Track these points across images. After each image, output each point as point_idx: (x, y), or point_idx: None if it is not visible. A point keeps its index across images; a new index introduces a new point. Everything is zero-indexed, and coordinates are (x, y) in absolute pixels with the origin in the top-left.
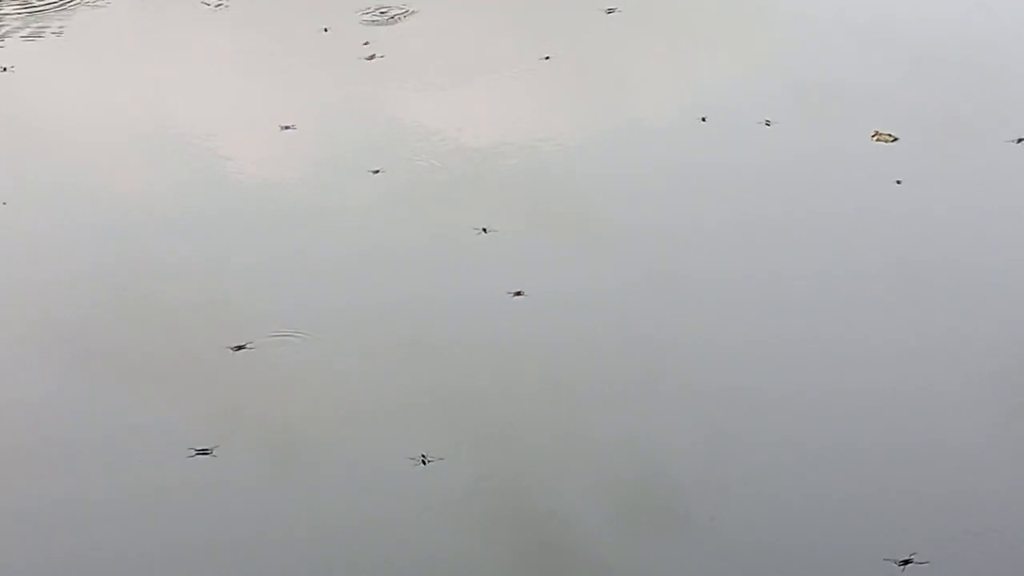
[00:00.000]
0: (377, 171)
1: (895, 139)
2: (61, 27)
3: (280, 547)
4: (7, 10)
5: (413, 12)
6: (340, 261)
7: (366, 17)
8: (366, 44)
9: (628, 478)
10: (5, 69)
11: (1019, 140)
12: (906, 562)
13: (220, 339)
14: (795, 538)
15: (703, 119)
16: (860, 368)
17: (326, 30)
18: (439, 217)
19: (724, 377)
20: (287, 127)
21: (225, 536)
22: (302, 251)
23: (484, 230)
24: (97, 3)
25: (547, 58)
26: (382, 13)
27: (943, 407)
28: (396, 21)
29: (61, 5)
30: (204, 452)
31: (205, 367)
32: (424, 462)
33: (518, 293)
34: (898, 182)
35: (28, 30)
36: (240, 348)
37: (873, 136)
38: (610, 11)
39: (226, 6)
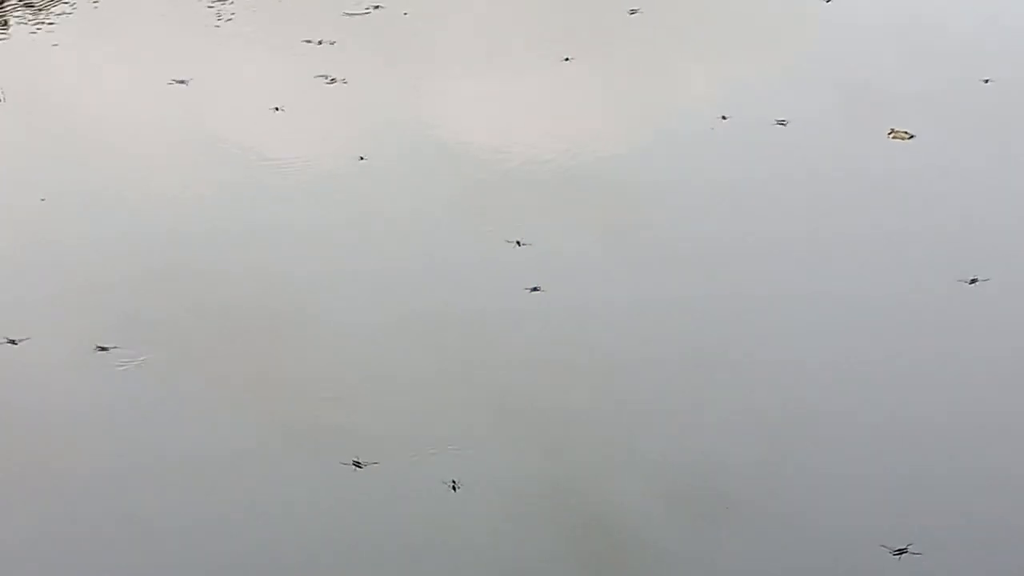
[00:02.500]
0: (411, 178)
1: (911, 136)
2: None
3: (325, 555)
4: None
5: (436, 10)
6: (386, 269)
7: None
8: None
9: (677, 483)
10: (184, 82)
11: None
12: (901, 551)
13: (268, 344)
14: (808, 524)
15: (723, 117)
16: (900, 376)
17: (319, 42)
18: (483, 226)
19: (756, 373)
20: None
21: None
22: (346, 257)
23: (518, 243)
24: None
25: (567, 59)
26: (405, 14)
27: (970, 413)
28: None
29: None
30: (358, 465)
31: (252, 371)
32: (455, 488)
33: (535, 288)
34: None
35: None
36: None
37: (889, 134)
38: (633, 12)
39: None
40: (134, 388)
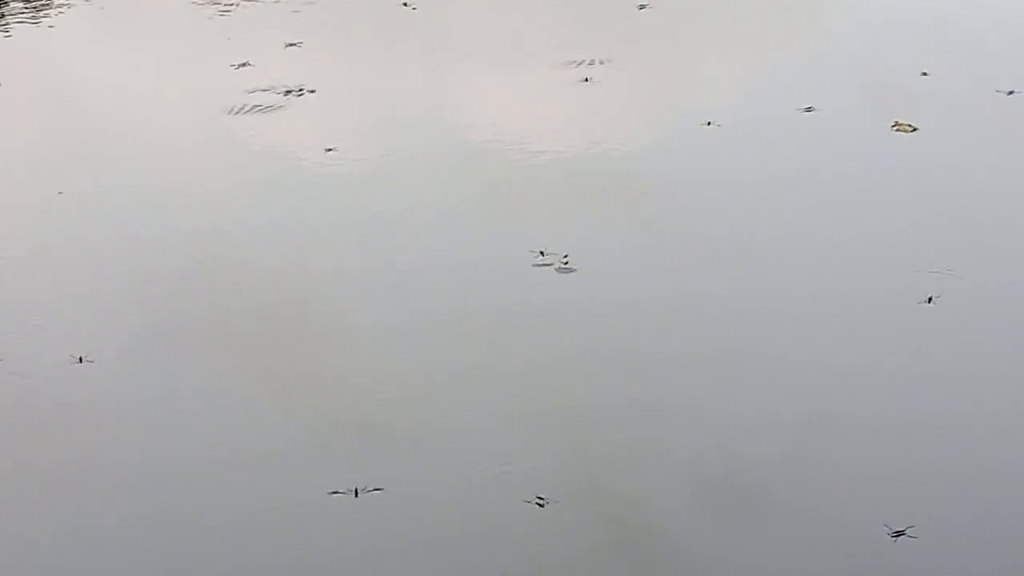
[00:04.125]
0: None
1: (914, 129)
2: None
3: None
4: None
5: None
6: (415, 269)
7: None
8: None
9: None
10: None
11: None
12: (900, 533)
13: (294, 339)
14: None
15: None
16: (923, 373)
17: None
18: (508, 221)
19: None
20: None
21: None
22: (373, 254)
23: (542, 253)
24: None
25: (576, 51)
26: (413, 8)
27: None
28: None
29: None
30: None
31: (282, 365)
32: (541, 504)
33: (564, 264)
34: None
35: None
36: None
37: (893, 126)
38: (642, 7)
39: None
40: (155, 386)
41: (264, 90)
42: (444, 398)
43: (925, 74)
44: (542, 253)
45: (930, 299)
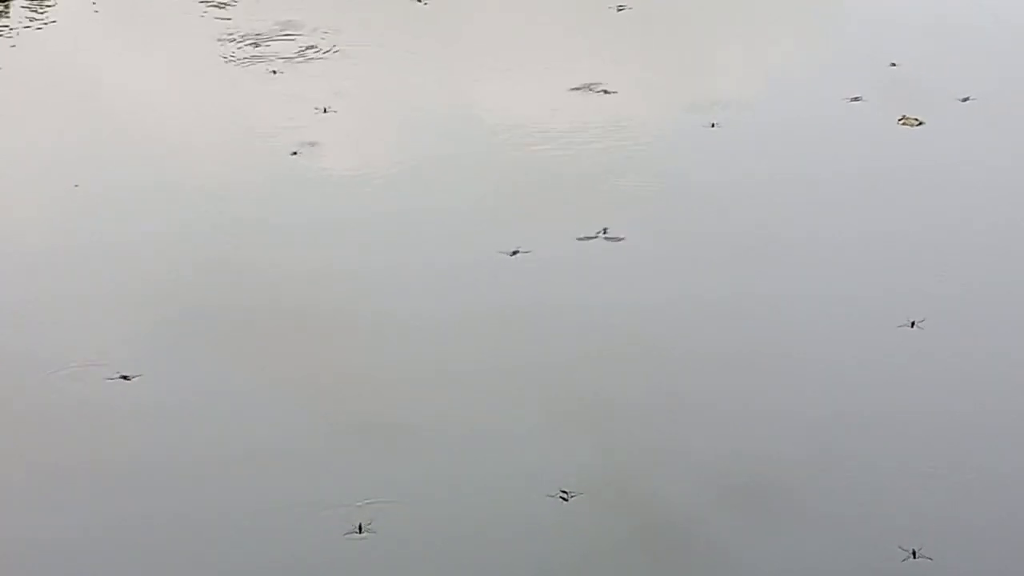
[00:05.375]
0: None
1: (920, 123)
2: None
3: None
4: None
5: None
6: (432, 265)
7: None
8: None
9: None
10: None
11: None
12: (913, 552)
13: (316, 339)
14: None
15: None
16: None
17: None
18: (528, 219)
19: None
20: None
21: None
22: (392, 251)
23: (515, 252)
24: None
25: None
26: (425, 4)
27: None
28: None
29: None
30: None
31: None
32: (565, 498)
33: (514, 252)
34: None
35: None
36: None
37: (900, 120)
38: (620, 8)
39: None
40: (174, 385)
41: (276, 88)
42: (467, 394)
43: (894, 64)
44: (515, 252)
45: (913, 323)
